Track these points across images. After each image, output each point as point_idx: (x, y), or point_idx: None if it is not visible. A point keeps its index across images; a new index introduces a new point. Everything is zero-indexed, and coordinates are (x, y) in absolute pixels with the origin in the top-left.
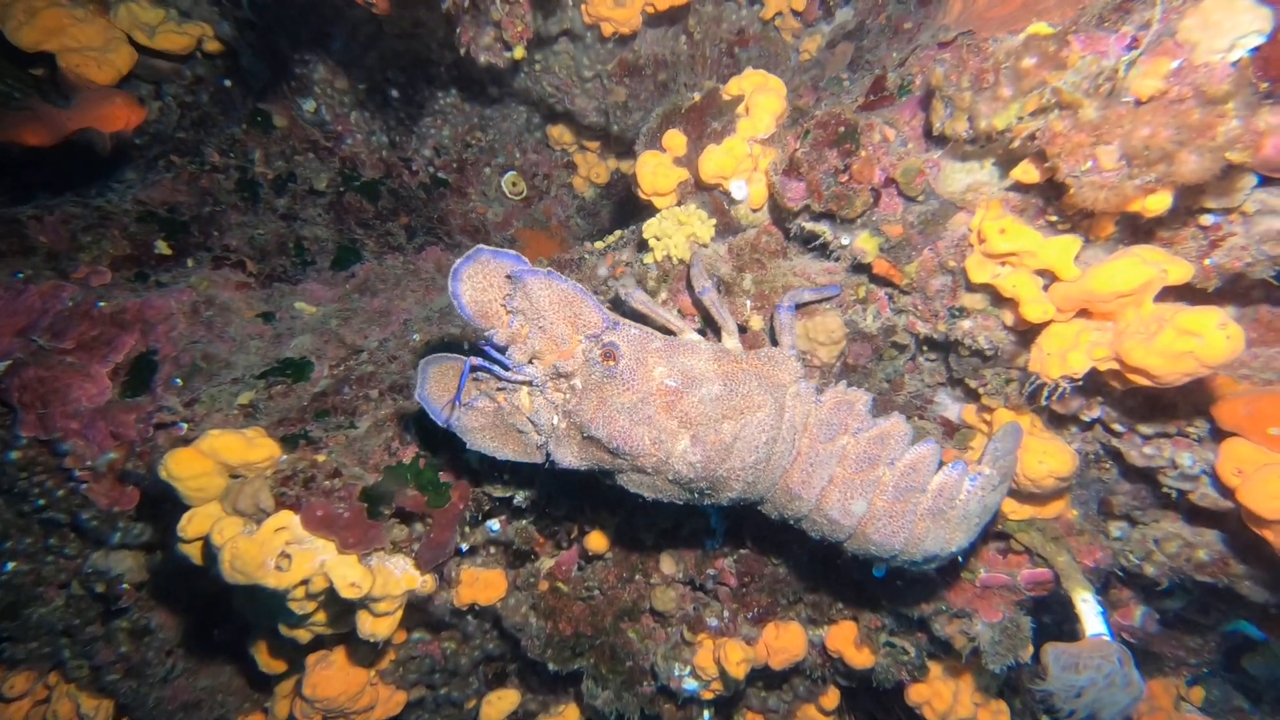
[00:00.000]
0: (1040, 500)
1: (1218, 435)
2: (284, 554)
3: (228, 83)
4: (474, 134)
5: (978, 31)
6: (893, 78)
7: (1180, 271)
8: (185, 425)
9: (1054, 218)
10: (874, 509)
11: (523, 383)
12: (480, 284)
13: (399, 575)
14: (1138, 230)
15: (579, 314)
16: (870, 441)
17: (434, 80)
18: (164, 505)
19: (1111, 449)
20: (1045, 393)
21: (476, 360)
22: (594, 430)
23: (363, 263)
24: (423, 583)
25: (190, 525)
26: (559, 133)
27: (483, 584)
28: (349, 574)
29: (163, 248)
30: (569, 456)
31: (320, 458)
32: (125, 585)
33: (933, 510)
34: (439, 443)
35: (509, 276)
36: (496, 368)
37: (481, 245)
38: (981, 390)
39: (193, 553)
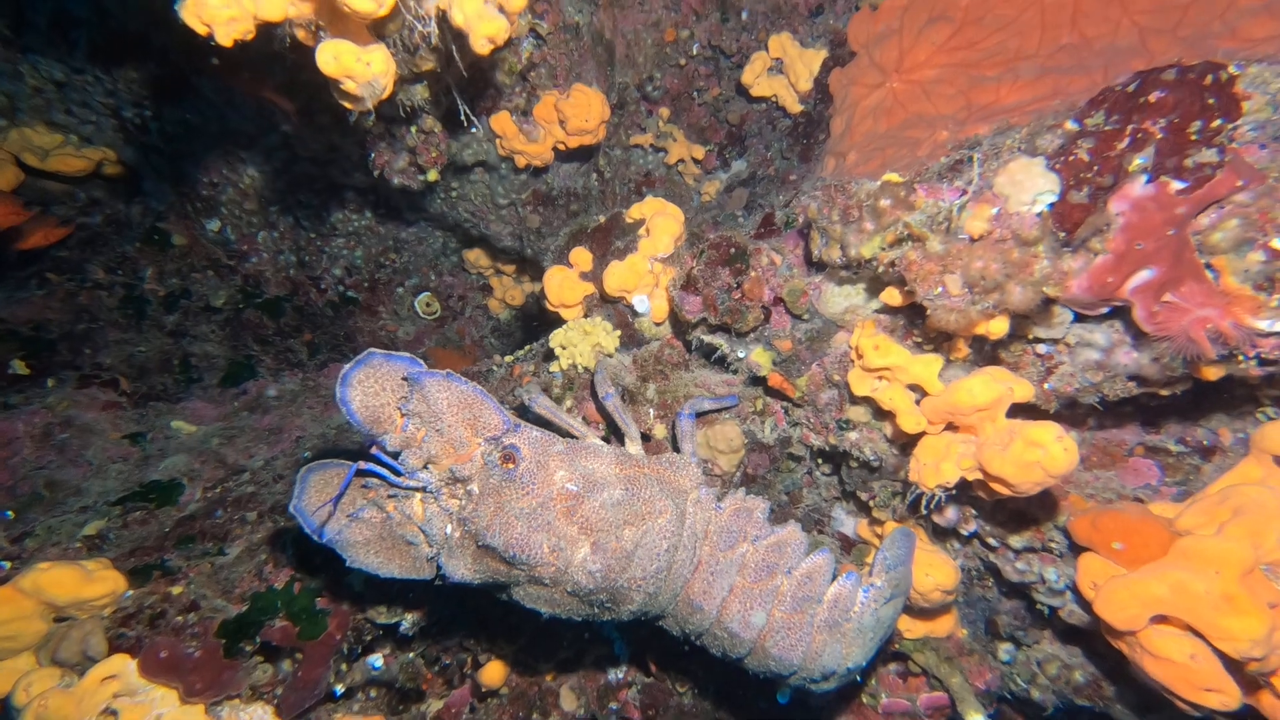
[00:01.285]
0: (930, 615)
1: (1075, 550)
2: (108, 710)
3: (122, 207)
4: (388, 255)
5: (847, 185)
6: (780, 215)
7: (1024, 390)
8: (7, 564)
9: (919, 338)
10: (772, 620)
11: (416, 489)
12: (371, 388)
13: None
14: (984, 355)
15: (478, 416)
16: (768, 549)
17: (348, 204)
18: None
19: (990, 564)
20: (924, 502)
21: (363, 464)
22: (489, 538)
23: (257, 379)
24: None
25: None
26: (475, 256)
27: None
28: None
29: (19, 367)
30: (461, 568)
31: (177, 589)
32: None
33: (829, 623)
34: (320, 564)
35: (405, 379)
36: (387, 473)
37: (373, 349)
38: (871, 503)
39: None
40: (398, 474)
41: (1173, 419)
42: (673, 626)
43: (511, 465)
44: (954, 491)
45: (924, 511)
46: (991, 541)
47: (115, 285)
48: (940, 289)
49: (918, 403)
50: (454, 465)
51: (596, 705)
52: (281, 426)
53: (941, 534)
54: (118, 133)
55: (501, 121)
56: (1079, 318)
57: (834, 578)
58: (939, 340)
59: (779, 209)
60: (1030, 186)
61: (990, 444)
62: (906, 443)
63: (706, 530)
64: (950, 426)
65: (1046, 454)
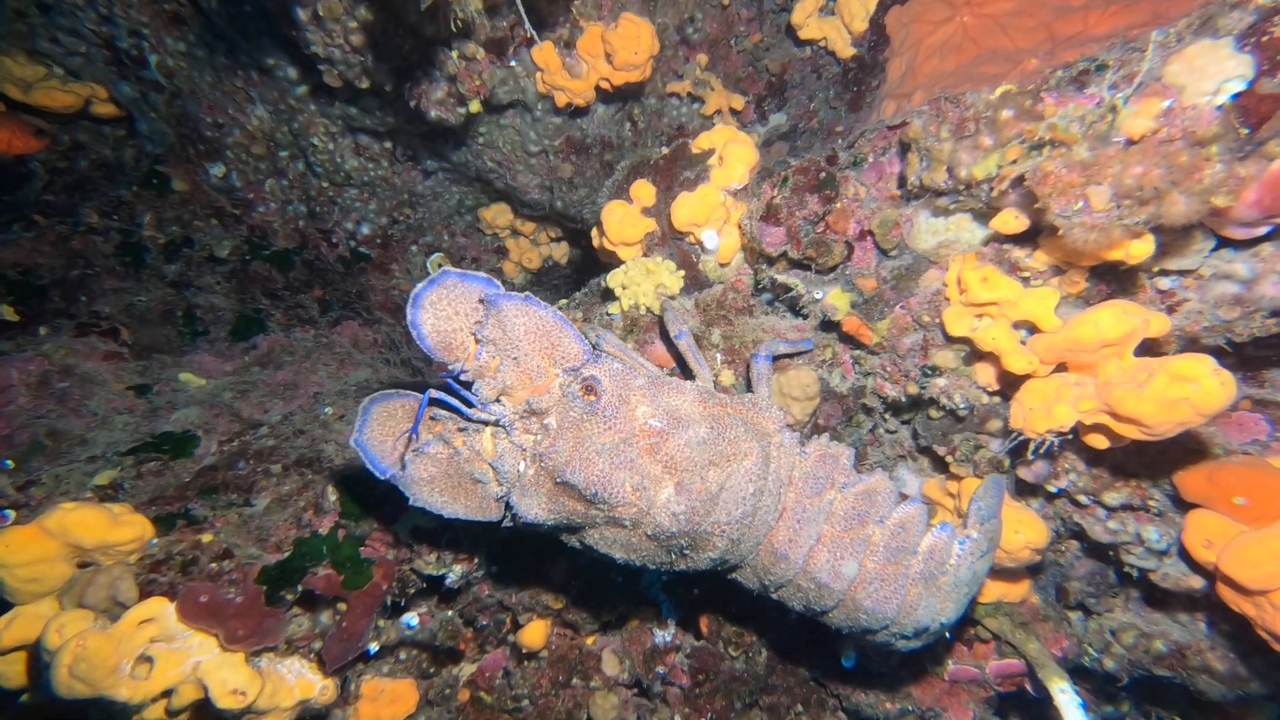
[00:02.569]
0: (1011, 577)
1: (1180, 507)
2: (144, 657)
3: (109, 152)
4: (402, 210)
5: (960, 97)
6: (845, 155)
7: (1160, 324)
8: (12, 514)
9: (1025, 273)
10: (865, 571)
11: (487, 423)
12: (444, 311)
13: (292, 681)
14: (1097, 293)
15: (558, 345)
16: (858, 497)
17: (365, 152)
18: None
19: (1072, 525)
20: (1031, 448)
21: (435, 393)
22: (569, 474)
23: (267, 334)
24: (322, 689)
25: (8, 630)
26: (492, 215)
27: (388, 699)
28: (232, 678)
29: (7, 313)
30: (535, 508)
31: (206, 537)
32: None
33: (924, 575)
34: (365, 509)
35: (481, 301)
36: (458, 404)
37: (447, 268)
38: (950, 458)
39: (6, 673)
40: (469, 405)
41: (1273, 369)
42: (749, 578)
43: (593, 398)
44: (1069, 436)
45: (1031, 457)
46: (1082, 499)
47: (110, 231)
48: (1081, 203)
49: (1023, 342)
50: (531, 397)
51: (642, 669)
52: (296, 382)
53: (1025, 491)
54: (110, 66)
55: (545, 53)
56: (1220, 244)
57: (927, 527)
58: (1048, 276)
59: (842, 150)
60: (1214, 72)
61: (1120, 382)
62: (1004, 388)
63: (791, 476)
64: (1059, 368)
65: (1199, 389)
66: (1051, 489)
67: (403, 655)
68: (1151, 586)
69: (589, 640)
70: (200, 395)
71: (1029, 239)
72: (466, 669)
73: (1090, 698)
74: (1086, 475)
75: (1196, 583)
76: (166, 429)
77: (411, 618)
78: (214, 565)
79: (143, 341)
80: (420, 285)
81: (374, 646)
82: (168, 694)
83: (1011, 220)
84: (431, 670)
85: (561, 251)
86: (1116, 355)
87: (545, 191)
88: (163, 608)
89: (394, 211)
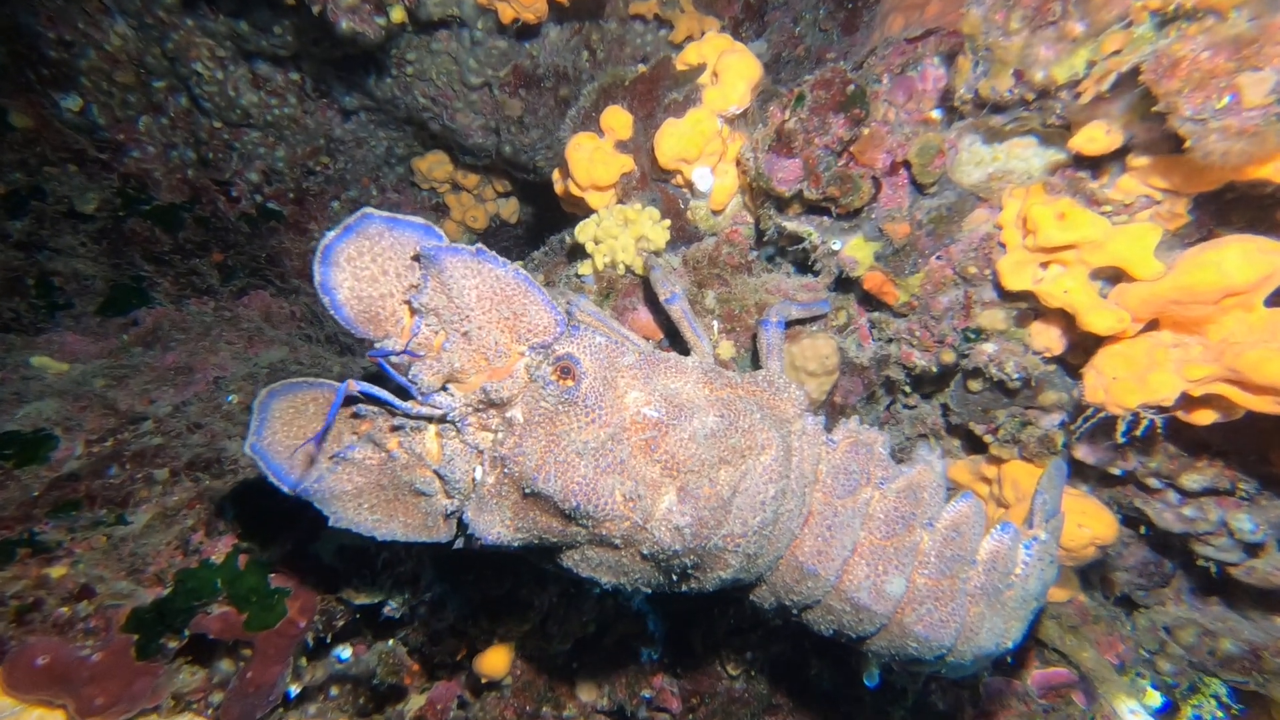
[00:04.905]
0: (1061, 576)
1: (1273, 489)
2: None
3: None
4: (319, 159)
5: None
6: (854, 76)
7: None
8: None
9: (1106, 207)
10: (914, 588)
11: (431, 418)
12: (367, 270)
13: None
14: (1191, 236)
15: (522, 313)
16: (900, 495)
17: (266, 84)
18: None
19: (1131, 511)
20: (1121, 429)
21: (358, 385)
22: (541, 482)
23: (151, 307)
24: None
25: None
26: (428, 166)
27: None
28: None
29: None
30: (497, 526)
31: (57, 571)
32: None
33: (986, 589)
34: (274, 529)
35: (418, 257)
36: (389, 396)
37: (369, 209)
38: (990, 438)
39: None
40: (405, 396)
41: None
42: (766, 598)
43: (570, 382)
44: (1174, 413)
45: (1122, 440)
46: (1152, 483)
47: None
48: (1228, 99)
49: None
50: (488, 383)
51: (625, 694)
52: (192, 365)
53: (1079, 474)
54: None
55: None
56: None
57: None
58: (1136, 208)
59: (850, 71)
60: None
61: (1254, 341)
62: (1066, 354)
63: (817, 471)
64: (1148, 327)
65: None
66: (1115, 471)
67: (334, 691)
68: (1209, 578)
69: (560, 661)
70: (60, 384)
71: (1107, 165)
72: (414, 702)
73: None
74: (1161, 455)
75: None
76: (11, 428)
77: (343, 649)
78: (64, 610)
79: None
80: (332, 234)
81: (294, 689)
82: None
83: (1101, 136)
84: (370, 707)
85: (511, 209)
86: (1243, 306)
87: (490, 134)
88: None
89: (309, 160)
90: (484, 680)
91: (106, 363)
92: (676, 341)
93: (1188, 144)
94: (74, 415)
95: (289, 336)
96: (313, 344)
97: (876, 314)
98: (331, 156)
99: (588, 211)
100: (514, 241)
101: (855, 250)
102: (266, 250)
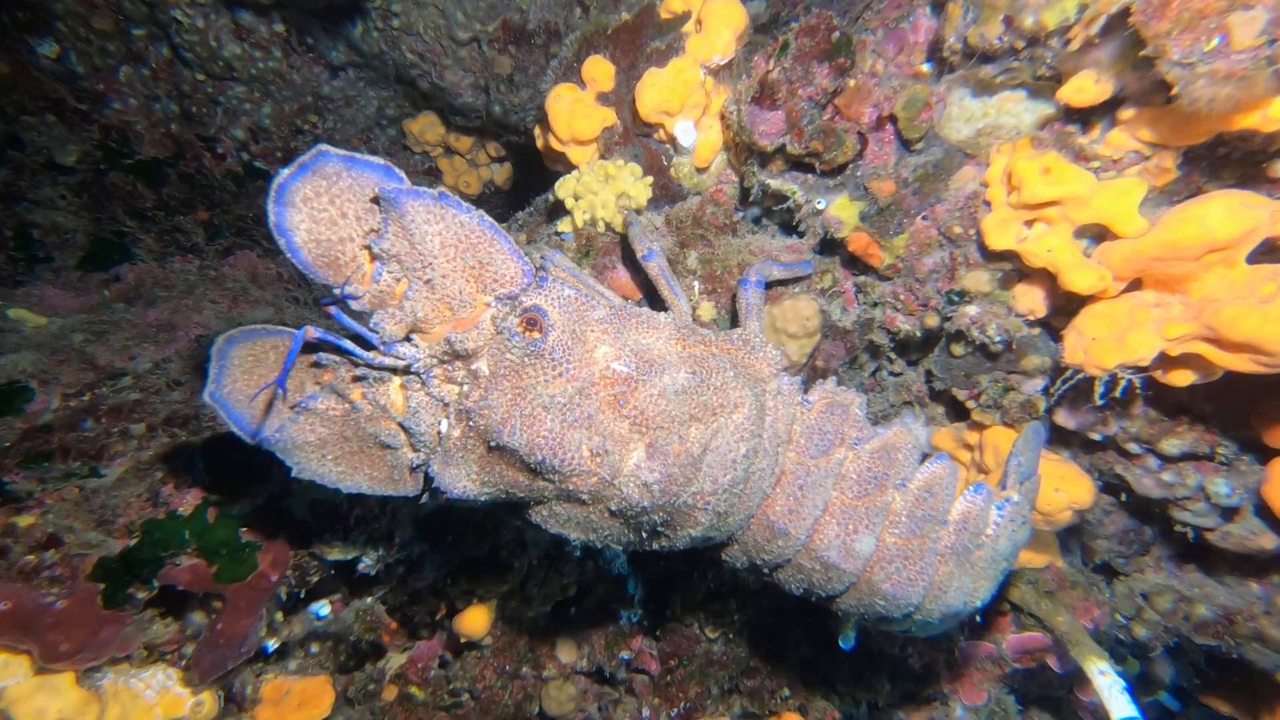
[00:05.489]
0: (1039, 542)
1: (1256, 454)
2: None
3: None
4: (306, 117)
5: None
6: (839, 24)
7: None
8: None
9: (1094, 163)
10: (884, 547)
11: (395, 369)
12: (325, 212)
13: (152, 698)
14: (1180, 192)
15: (488, 262)
16: (873, 456)
17: (250, 36)
18: None
19: (1112, 478)
20: (1098, 390)
21: (316, 332)
22: (506, 436)
23: (134, 263)
24: (195, 705)
25: None
26: (420, 128)
27: (296, 700)
28: (53, 705)
29: None
30: (463, 480)
31: (25, 520)
32: None
33: (956, 549)
34: (245, 481)
35: (377, 200)
36: (351, 345)
37: (325, 146)
38: (972, 404)
39: None
40: (367, 346)
41: None
42: (737, 557)
43: (537, 335)
44: (1151, 372)
45: (1100, 402)
46: (1132, 448)
47: None
48: (1217, 40)
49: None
50: (452, 334)
51: (604, 655)
52: (174, 322)
53: (1060, 438)
54: None
55: None
56: None
57: (958, 492)
58: (1125, 164)
59: (838, 18)
60: None
61: (1232, 297)
62: (1050, 316)
63: (791, 431)
64: (1130, 286)
65: None
66: (1095, 436)
67: (315, 648)
68: (1188, 545)
69: (541, 623)
70: (39, 337)
71: (1096, 120)
72: (395, 660)
73: None
74: (1141, 419)
75: (1269, 542)
76: None
77: (322, 605)
78: (30, 558)
79: None
80: (286, 172)
81: (272, 644)
82: None
83: (1090, 86)
84: (351, 663)
85: (504, 175)
86: (1225, 263)
87: (480, 93)
88: None
89: (296, 118)
90: (464, 640)
91: (86, 317)
92: (656, 302)
93: (1174, 90)
94: (51, 369)
95: (275, 298)
96: (299, 306)
97: (862, 278)
98: (320, 115)
99: (569, 167)
100: (507, 208)
101: (840, 210)
102: (253, 210)
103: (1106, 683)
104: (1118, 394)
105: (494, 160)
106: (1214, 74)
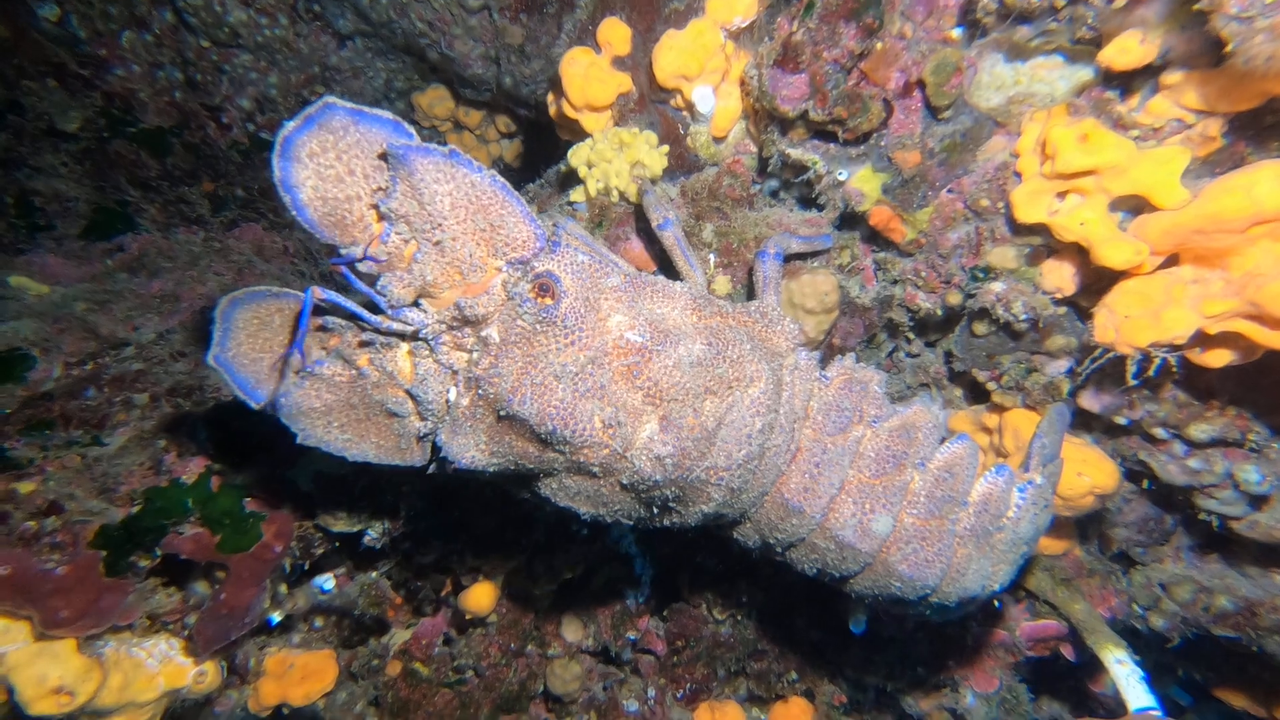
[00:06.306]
0: (1058, 527)
1: None
2: None
3: None
4: (313, 87)
5: None
6: None
7: None
8: None
9: (1134, 132)
10: (901, 527)
11: (403, 335)
12: (332, 168)
13: (154, 667)
14: (1224, 163)
15: (500, 225)
16: (892, 435)
17: (253, 1)
18: None
19: (1136, 464)
20: (1131, 369)
21: (323, 293)
22: (517, 405)
23: (138, 234)
24: (197, 675)
25: None
26: (429, 101)
27: (300, 674)
28: (53, 672)
29: None
30: (471, 450)
31: (26, 487)
32: None
33: (976, 531)
34: (249, 450)
35: (385, 156)
36: (358, 308)
37: (332, 98)
38: (993, 385)
39: None
40: (375, 310)
41: None
42: (750, 535)
43: (549, 301)
44: (1187, 351)
45: (1133, 382)
46: (1158, 433)
47: None
48: None
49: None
50: (462, 299)
51: (610, 635)
52: (178, 294)
53: (1083, 423)
54: None
55: None
56: None
57: (979, 473)
58: (1166, 133)
59: None
60: None
61: (1278, 272)
62: (1078, 295)
63: (808, 407)
64: (1167, 262)
65: None
66: (1120, 420)
67: (319, 622)
68: (1210, 534)
69: (547, 602)
70: (40, 306)
71: (1137, 85)
72: (399, 636)
73: None
74: (1170, 403)
75: None
76: None
77: (326, 579)
78: (31, 524)
79: None
80: (292, 124)
81: (276, 616)
82: None
83: (1134, 46)
84: (355, 638)
85: (515, 151)
86: (1271, 236)
87: (490, 65)
88: None
89: (303, 89)
90: (469, 616)
91: (89, 286)
92: (670, 274)
93: (1229, 47)
94: (53, 337)
95: (281, 271)
96: (306, 280)
97: (882, 254)
98: (327, 86)
99: (582, 135)
100: (516, 185)
101: (862, 182)
102: (260, 182)
103: (1124, 672)
104: (1151, 373)
105: (504, 136)
106: (1275, 29)
